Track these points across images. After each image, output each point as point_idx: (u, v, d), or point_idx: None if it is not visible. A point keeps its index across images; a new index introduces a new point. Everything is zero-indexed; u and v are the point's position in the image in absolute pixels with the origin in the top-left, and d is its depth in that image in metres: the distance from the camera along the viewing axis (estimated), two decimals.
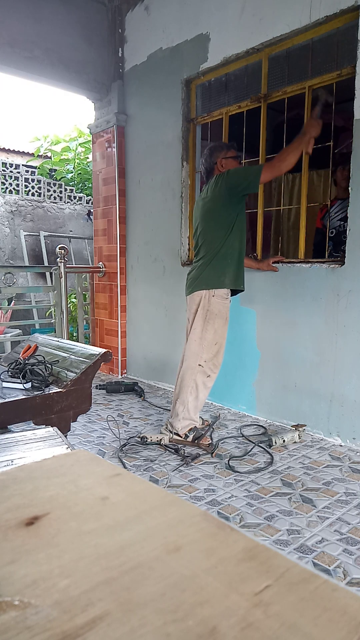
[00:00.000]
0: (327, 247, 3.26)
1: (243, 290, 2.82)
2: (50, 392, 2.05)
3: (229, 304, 2.73)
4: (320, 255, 3.36)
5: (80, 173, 7.07)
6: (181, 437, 2.74)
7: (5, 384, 2.09)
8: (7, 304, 5.41)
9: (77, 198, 6.85)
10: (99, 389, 3.87)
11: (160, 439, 2.69)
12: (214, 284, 2.68)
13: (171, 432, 2.77)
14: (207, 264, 2.70)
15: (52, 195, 6.57)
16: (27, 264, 5.96)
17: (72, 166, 7.14)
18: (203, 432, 2.81)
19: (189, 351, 2.75)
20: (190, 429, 2.74)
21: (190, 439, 2.73)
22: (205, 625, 0.33)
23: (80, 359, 2.25)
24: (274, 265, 3.04)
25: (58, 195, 6.62)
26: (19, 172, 6.34)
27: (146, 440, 2.70)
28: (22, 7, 3.58)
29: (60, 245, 4.03)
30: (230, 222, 2.67)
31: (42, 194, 6.46)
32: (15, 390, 2.05)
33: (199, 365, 2.71)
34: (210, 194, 2.71)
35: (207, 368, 2.72)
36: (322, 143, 2.98)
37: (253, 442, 2.75)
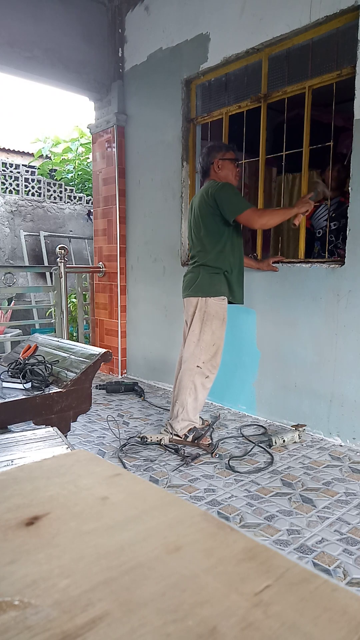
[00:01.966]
0: (314, 246, 3.27)
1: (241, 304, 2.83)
2: (50, 392, 2.05)
3: (226, 304, 2.73)
4: (308, 255, 3.36)
5: (80, 173, 7.06)
6: (181, 437, 2.74)
7: (5, 384, 2.09)
8: (7, 304, 5.41)
9: (77, 198, 6.85)
10: (99, 389, 3.87)
11: (160, 439, 2.69)
12: (209, 292, 2.67)
13: (171, 433, 2.77)
14: (202, 272, 2.70)
15: (52, 195, 6.57)
16: (27, 264, 5.96)
17: (73, 166, 7.14)
18: (203, 432, 2.81)
19: (187, 353, 2.75)
20: (189, 430, 2.74)
21: (190, 439, 2.72)
22: (205, 625, 0.33)
23: (80, 359, 2.25)
24: (274, 265, 3.04)
25: (58, 195, 6.62)
26: (19, 172, 6.34)
27: (146, 440, 2.70)
28: (22, 7, 3.58)
29: (60, 245, 4.03)
30: (221, 233, 2.65)
31: (42, 194, 6.46)
32: (15, 390, 2.05)
33: (198, 366, 2.70)
34: (199, 199, 2.70)
35: (205, 369, 2.72)
36: (322, 143, 2.98)
37: (253, 442, 2.75)
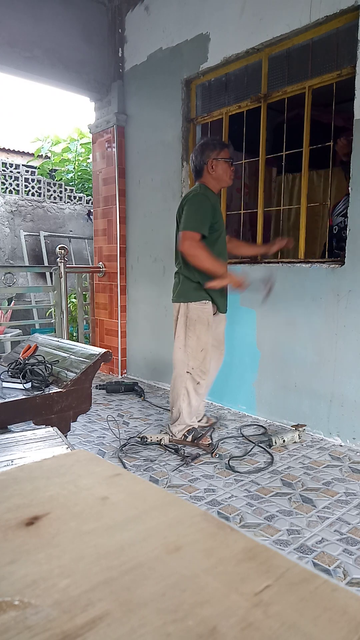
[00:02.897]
0: (333, 244, 3.25)
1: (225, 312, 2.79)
2: (50, 392, 2.05)
3: (210, 309, 2.65)
4: (332, 253, 3.34)
5: (80, 173, 7.06)
6: (180, 438, 2.74)
7: (5, 384, 2.09)
8: (7, 304, 5.41)
9: (77, 198, 6.85)
10: (99, 389, 3.87)
11: (160, 439, 2.69)
12: (190, 297, 2.63)
13: (171, 434, 2.77)
14: (182, 279, 2.66)
15: (52, 195, 6.57)
16: (27, 264, 5.96)
17: (72, 166, 7.14)
18: (203, 432, 2.81)
19: (175, 359, 2.71)
20: (188, 430, 2.74)
21: (190, 439, 2.72)
22: (205, 625, 0.33)
23: (80, 359, 2.25)
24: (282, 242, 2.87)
25: (58, 195, 6.62)
26: (19, 172, 6.33)
27: (146, 440, 2.70)
28: (22, 7, 3.58)
29: (60, 245, 4.03)
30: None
31: (42, 194, 6.46)
32: (15, 390, 2.05)
33: (187, 372, 2.67)
34: (180, 205, 2.65)
35: (195, 375, 2.67)
36: (322, 143, 2.98)
37: (253, 442, 2.75)
